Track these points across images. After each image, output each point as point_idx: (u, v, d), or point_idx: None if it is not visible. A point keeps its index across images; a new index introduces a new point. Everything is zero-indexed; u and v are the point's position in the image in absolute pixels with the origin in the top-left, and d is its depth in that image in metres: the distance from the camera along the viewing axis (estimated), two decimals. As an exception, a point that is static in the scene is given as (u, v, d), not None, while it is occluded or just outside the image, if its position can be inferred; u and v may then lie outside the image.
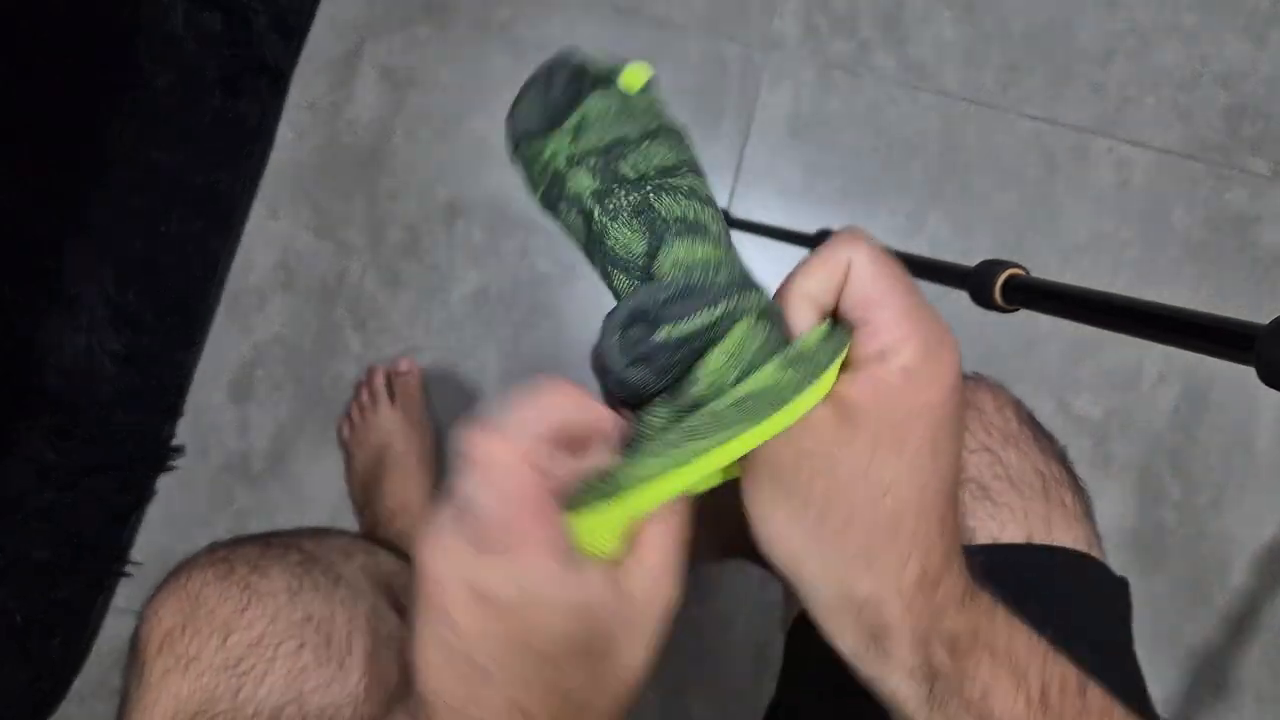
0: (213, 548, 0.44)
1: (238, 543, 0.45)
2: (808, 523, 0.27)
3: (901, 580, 0.26)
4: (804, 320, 0.27)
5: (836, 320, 0.28)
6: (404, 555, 0.75)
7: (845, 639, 0.28)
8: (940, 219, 1.00)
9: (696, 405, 0.26)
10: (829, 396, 0.26)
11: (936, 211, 1.00)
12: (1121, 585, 0.48)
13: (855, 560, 0.26)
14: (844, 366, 0.27)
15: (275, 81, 0.97)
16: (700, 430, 0.25)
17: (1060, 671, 0.28)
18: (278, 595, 0.40)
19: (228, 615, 0.39)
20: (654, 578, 0.27)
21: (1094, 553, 0.47)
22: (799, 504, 0.27)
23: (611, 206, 0.27)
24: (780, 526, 0.27)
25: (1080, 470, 0.98)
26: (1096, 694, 0.28)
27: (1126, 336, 0.39)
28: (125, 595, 0.94)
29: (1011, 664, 0.27)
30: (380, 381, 0.96)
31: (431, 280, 0.98)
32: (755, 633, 0.95)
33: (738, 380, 0.26)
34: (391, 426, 0.94)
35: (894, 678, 0.28)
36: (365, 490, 0.94)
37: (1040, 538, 0.45)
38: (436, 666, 0.24)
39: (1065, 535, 0.47)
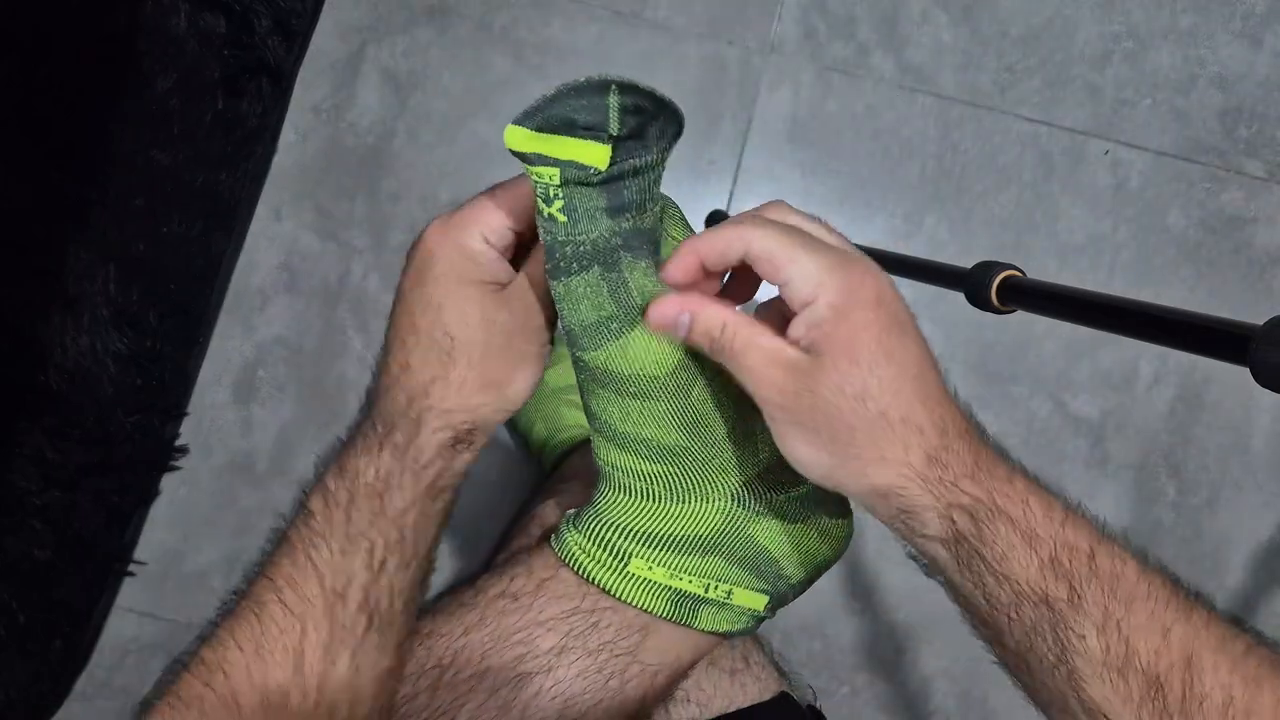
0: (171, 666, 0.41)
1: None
2: (822, 443, 0.32)
3: (910, 465, 0.32)
4: (685, 267, 0.34)
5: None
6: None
7: (885, 521, 0.34)
8: (937, 220, 1.01)
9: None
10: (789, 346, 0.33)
11: (934, 213, 1.01)
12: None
13: (869, 460, 0.32)
14: (786, 316, 0.33)
15: (277, 83, 0.97)
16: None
17: (1071, 537, 0.31)
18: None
19: None
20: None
21: (782, 687, 0.52)
22: (810, 433, 0.32)
23: None
24: (806, 453, 0.33)
25: (1076, 470, 0.99)
26: (1105, 558, 0.31)
27: (1123, 337, 0.39)
28: (128, 595, 0.94)
29: (1026, 529, 0.31)
30: None
31: (433, 281, 0.98)
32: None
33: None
34: None
35: (929, 546, 0.33)
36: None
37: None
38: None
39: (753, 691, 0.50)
